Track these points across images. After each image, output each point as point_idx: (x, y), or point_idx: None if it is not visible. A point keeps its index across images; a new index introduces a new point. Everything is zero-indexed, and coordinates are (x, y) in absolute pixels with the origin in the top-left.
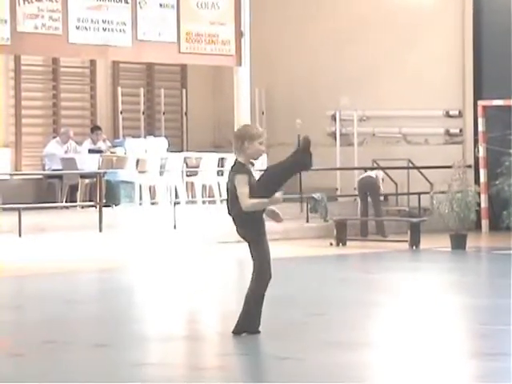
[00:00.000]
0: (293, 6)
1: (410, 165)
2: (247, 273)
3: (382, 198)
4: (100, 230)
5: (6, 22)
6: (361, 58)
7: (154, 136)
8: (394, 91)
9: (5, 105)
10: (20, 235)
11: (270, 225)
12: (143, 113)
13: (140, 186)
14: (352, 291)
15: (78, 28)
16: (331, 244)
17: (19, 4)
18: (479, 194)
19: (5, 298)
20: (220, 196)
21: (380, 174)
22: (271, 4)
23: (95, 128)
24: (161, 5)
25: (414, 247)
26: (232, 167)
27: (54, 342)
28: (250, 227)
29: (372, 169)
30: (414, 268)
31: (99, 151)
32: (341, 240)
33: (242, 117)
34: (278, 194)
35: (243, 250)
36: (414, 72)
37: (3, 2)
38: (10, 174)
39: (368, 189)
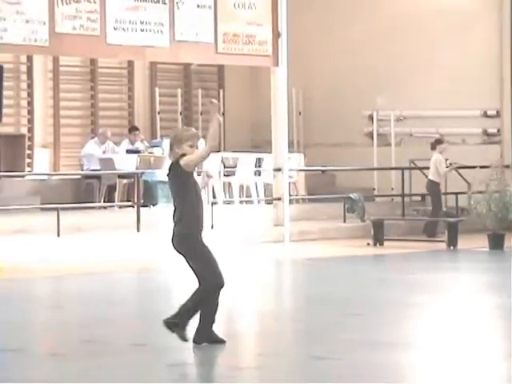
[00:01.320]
0: (331, 6)
1: (447, 165)
2: (284, 272)
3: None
4: (138, 230)
5: (44, 23)
6: (398, 57)
7: None
8: (432, 91)
9: (43, 105)
10: (58, 235)
11: (308, 225)
12: (181, 113)
13: None
14: (390, 291)
15: (115, 29)
16: (368, 244)
17: (57, 5)
18: None
19: (44, 297)
20: (257, 196)
21: (438, 159)
22: (309, 4)
23: (133, 128)
24: (198, 5)
25: (452, 247)
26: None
27: (94, 341)
28: None
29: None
30: (452, 268)
31: (137, 151)
32: (378, 240)
33: (279, 117)
34: None
35: (280, 249)
36: (452, 72)
37: (42, 4)
38: (49, 175)
39: (428, 191)
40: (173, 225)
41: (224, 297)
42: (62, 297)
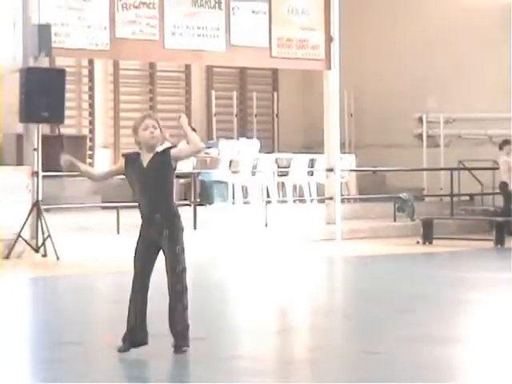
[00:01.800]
0: (382, 8)
1: (495, 166)
2: (336, 269)
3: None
4: (194, 228)
5: (105, 28)
6: (447, 60)
7: (247, 137)
8: (480, 93)
9: (104, 107)
10: (118, 232)
11: (359, 223)
12: (236, 115)
13: (233, 186)
14: (441, 288)
15: (173, 34)
16: (418, 242)
17: (118, 11)
18: None
19: (104, 293)
20: (310, 195)
21: (503, 161)
22: (361, 7)
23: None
24: (253, 11)
25: (499, 246)
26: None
27: (152, 335)
28: None
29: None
30: (500, 266)
31: None
32: (427, 238)
33: (331, 119)
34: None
35: (332, 247)
36: (500, 74)
37: (103, 10)
38: None
39: (500, 191)
40: None
41: (277, 293)
42: (121, 292)
